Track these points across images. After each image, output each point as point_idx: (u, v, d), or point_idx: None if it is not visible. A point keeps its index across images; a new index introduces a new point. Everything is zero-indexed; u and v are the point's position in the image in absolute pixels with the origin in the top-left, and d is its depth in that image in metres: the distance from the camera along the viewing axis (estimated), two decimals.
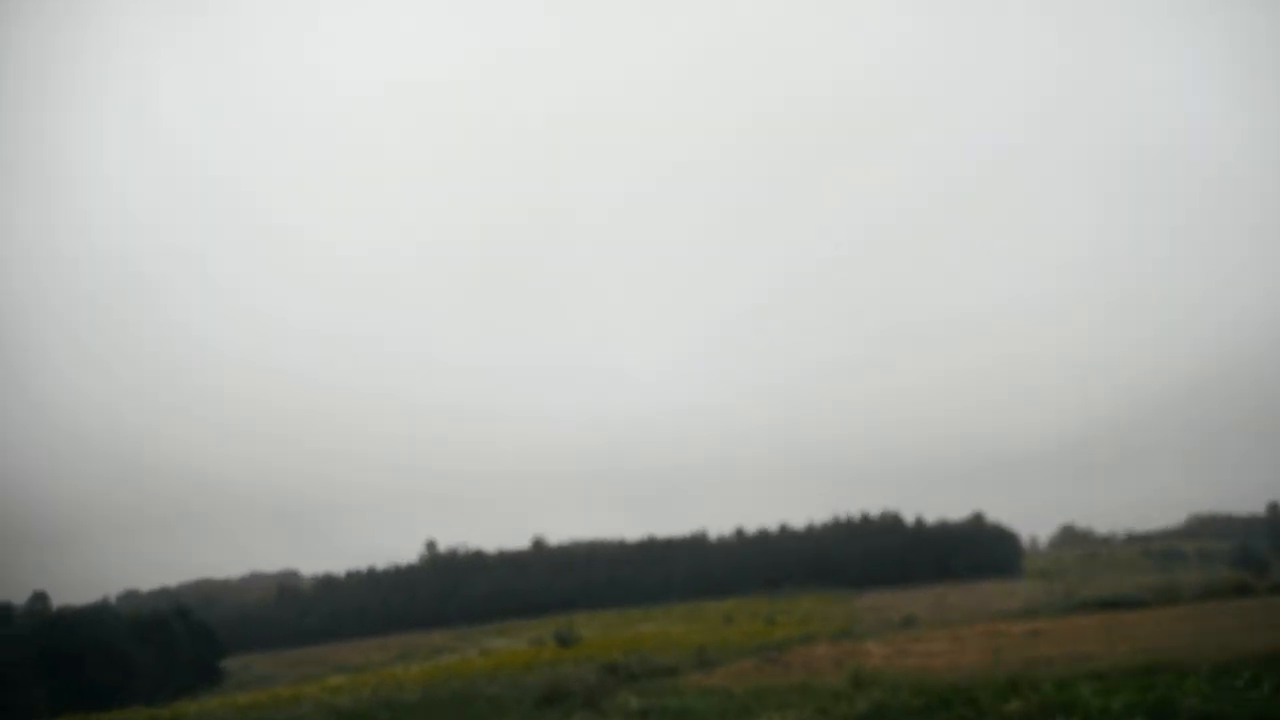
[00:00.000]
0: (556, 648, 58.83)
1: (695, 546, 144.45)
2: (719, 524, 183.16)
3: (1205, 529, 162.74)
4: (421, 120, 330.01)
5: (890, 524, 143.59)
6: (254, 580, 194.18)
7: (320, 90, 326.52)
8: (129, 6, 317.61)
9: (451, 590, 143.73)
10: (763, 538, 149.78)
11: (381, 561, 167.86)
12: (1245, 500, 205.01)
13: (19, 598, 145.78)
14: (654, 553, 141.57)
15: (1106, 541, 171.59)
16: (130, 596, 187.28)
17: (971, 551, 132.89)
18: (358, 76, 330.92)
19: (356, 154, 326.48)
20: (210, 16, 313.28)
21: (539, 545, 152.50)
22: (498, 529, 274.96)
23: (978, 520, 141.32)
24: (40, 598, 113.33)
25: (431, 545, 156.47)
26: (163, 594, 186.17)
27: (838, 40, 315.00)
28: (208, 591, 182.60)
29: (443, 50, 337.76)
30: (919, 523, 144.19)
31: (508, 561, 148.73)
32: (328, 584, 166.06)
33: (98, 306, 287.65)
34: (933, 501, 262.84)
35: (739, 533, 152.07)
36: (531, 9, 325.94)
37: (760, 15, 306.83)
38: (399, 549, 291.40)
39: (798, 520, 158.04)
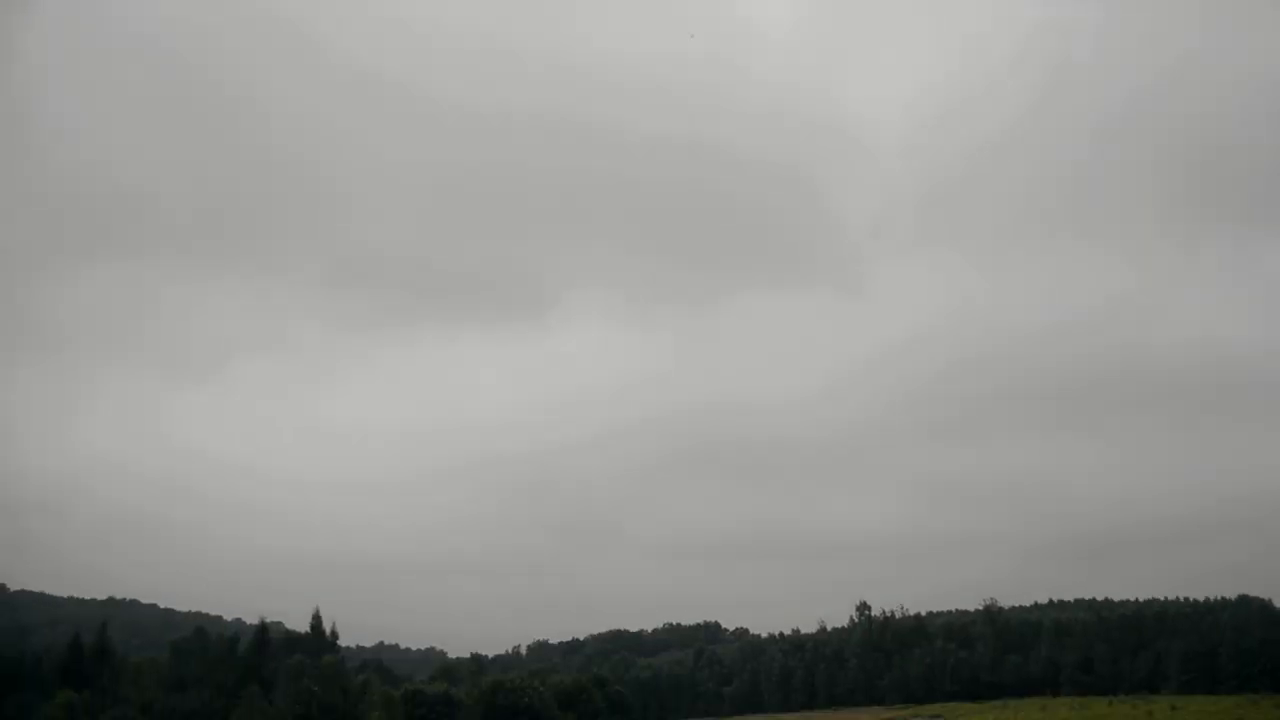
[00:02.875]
0: None
1: (1200, 621, 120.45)
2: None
3: None
4: None
5: None
6: (669, 634, 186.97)
7: None
8: None
9: (885, 663, 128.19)
10: None
11: (808, 624, 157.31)
12: None
13: None
14: (1143, 628, 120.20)
15: None
16: (540, 647, 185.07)
17: None
18: None
19: None
20: None
21: (990, 612, 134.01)
22: (938, 590, 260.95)
23: None
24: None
25: (863, 608, 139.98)
26: (572, 646, 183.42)
27: None
28: (621, 644, 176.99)
29: None
30: None
31: (953, 632, 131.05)
32: (749, 647, 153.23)
33: None
34: None
35: None
36: None
37: None
38: (827, 610, 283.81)
39: None
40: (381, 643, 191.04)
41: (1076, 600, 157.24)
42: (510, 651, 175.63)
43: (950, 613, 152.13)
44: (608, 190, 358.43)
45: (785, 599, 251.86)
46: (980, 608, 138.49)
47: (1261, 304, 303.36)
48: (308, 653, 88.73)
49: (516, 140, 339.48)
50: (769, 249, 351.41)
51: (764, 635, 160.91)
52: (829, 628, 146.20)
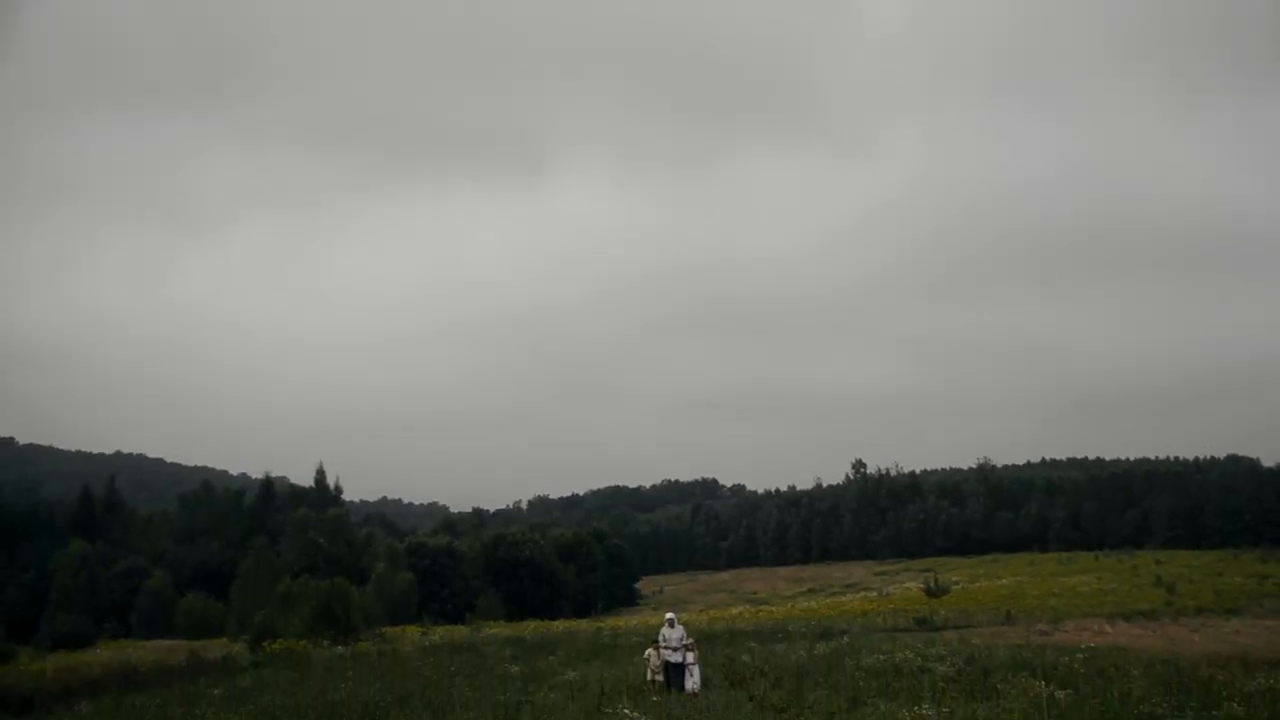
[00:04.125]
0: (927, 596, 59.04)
1: (1188, 480, 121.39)
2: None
3: None
4: None
5: None
6: (667, 490, 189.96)
7: None
8: None
9: (879, 519, 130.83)
10: None
11: (805, 481, 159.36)
12: None
13: None
14: (1132, 486, 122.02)
15: None
16: (540, 502, 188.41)
17: None
18: None
19: None
20: None
21: (984, 470, 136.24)
22: (933, 448, 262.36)
23: None
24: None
25: (859, 466, 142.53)
26: (572, 501, 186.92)
27: None
28: (620, 499, 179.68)
29: None
30: None
31: (946, 489, 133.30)
32: (746, 503, 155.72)
33: None
34: None
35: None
36: None
37: None
38: (824, 467, 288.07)
39: None
40: (384, 497, 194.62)
41: (1069, 459, 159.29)
42: (511, 506, 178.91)
43: (944, 470, 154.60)
44: (603, 43, 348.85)
45: (782, 456, 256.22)
46: (974, 466, 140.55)
47: (1263, 160, 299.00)
48: (312, 506, 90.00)
49: None
50: (767, 107, 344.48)
51: (760, 491, 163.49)
52: (825, 484, 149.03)
